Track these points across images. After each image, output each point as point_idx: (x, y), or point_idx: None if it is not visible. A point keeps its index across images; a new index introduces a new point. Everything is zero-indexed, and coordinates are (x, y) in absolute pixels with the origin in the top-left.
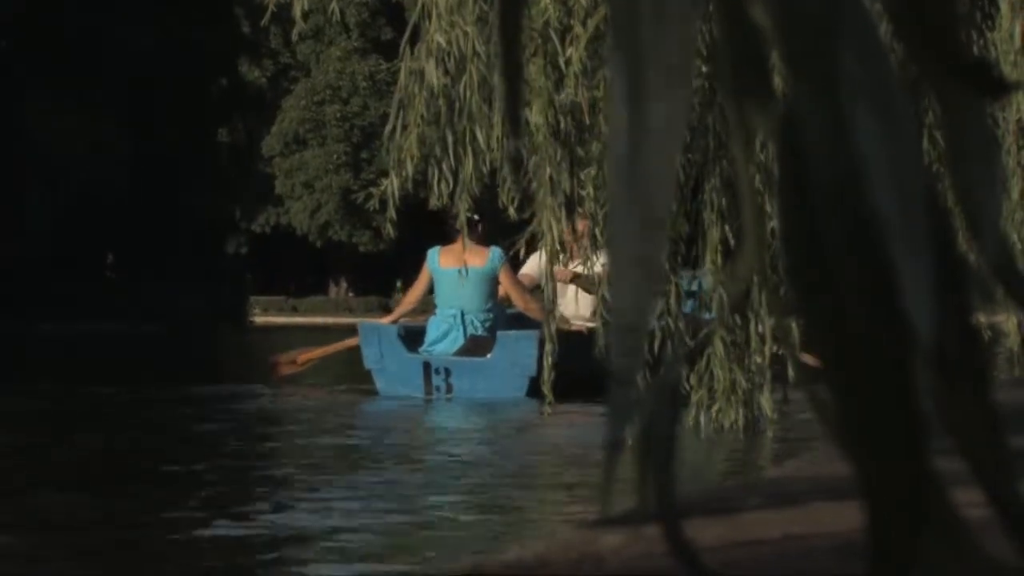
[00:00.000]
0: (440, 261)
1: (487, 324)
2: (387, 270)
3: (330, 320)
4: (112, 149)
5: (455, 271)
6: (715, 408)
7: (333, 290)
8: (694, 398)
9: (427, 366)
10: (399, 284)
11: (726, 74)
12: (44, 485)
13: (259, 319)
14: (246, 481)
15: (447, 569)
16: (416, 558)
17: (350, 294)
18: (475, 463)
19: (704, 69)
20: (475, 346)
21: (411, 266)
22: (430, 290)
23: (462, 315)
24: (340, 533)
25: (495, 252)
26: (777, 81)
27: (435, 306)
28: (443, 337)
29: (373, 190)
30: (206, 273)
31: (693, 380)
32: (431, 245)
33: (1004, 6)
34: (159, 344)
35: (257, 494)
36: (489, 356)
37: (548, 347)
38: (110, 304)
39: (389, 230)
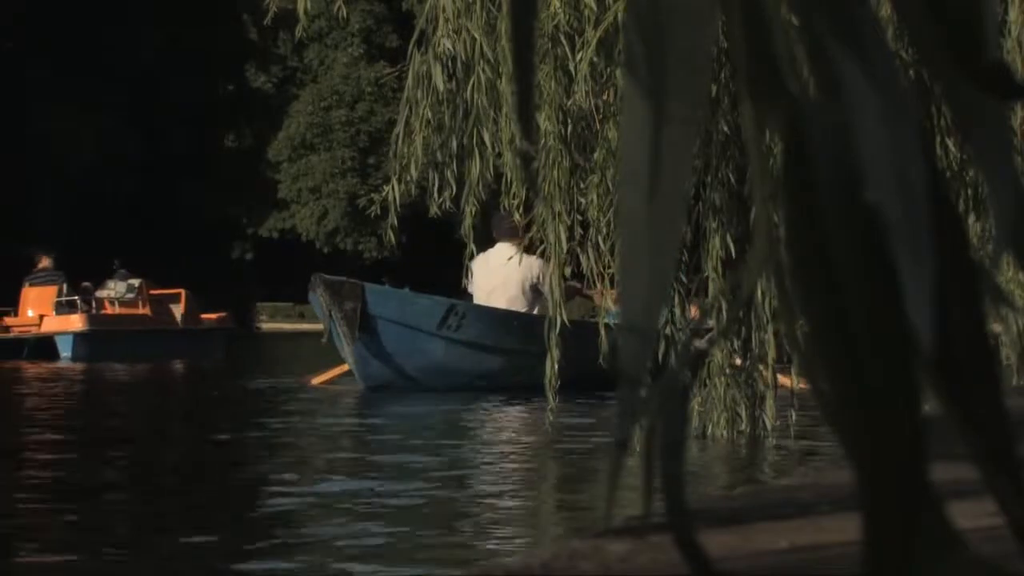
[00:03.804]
0: None
1: None
2: (393, 277)
3: None
4: (118, 153)
5: None
6: (718, 416)
7: None
8: (697, 406)
9: None
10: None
11: (742, 75)
12: (48, 485)
13: (265, 325)
14: (240, 480)
15: None
16: (420, 565)
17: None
18: (489, 466)
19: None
20: None
21: (414, 273)
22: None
23: None
24: (342, 537)
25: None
26: (791, 83)
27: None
28: None
29: (375, 196)
30: (211, 277)
31: (696, 388)
32: (434, 251)
33: (1014, 11)
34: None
35: (253, 494)
36: None
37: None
38: None
39: (390, 237)
